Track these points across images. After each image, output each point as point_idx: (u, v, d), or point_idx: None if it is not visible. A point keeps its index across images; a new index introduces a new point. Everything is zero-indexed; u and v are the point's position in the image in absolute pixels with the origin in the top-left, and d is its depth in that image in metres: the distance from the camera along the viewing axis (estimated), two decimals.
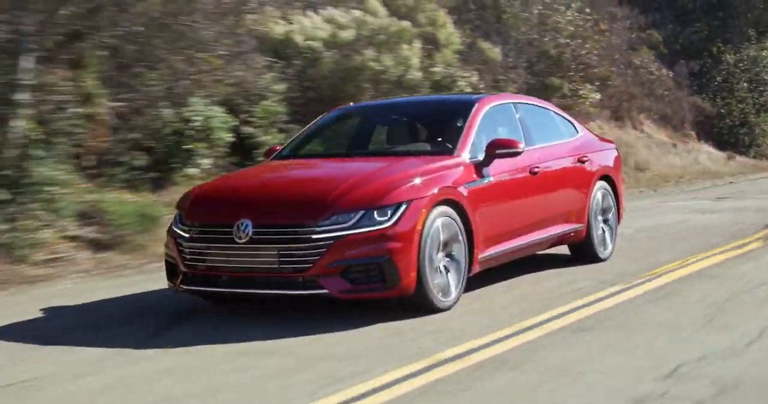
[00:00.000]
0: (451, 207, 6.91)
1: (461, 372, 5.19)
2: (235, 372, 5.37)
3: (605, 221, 9.13)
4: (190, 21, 12.63)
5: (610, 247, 9.18)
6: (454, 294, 6.91)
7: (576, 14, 23.18)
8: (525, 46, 21.76)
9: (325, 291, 6.39)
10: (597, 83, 22.86)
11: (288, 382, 5.11)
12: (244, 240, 6.51)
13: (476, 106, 7.86)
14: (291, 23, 15.04)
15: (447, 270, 6.87)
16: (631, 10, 28.46)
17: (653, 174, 23.22)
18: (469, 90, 15.91)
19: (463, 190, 7.06)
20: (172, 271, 7.03)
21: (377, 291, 6.48)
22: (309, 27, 14.88)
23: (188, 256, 6.79)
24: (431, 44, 16.67)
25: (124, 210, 10.53)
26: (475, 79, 16.95)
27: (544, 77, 21.49)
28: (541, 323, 6.33)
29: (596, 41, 23.52)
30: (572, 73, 22.13)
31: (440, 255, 6.81)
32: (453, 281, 6.91)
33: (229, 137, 12.62)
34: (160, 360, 5.73)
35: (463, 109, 7.84)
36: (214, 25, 13.04)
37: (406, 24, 15.68)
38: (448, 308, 6.84)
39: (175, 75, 12.46)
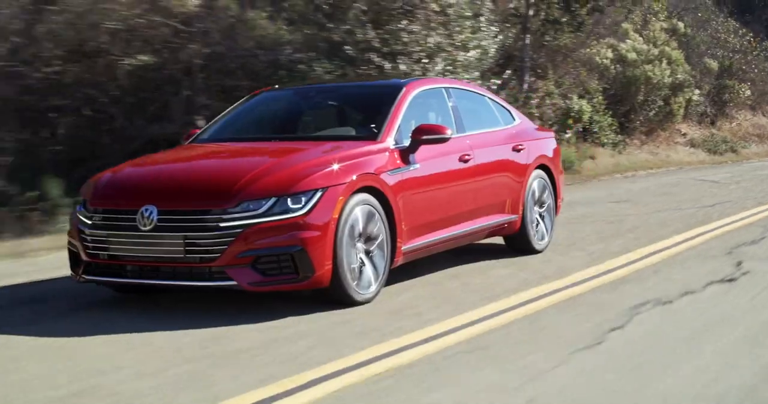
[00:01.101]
0: (371, 195, 6.55)
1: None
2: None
3: (540, 213, 8.81)
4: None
5: (546, 239, 8.86)
6: (374, 287, 6.55)
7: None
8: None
9: (234, 282, 6.00)
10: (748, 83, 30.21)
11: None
12: (148, 228, 6.10)
13: (404, 90, 7.48)
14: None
15: (367, 261, 6.50)
16: None
17: None
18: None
19: (385, 178, 6.69)
20: (74, 260, 6.60)
21: (290, 282, 6.11)
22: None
23: (90, 245, 6.37)
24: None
25: None
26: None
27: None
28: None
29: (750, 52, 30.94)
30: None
31: (359, 245, 6.45)
32: (372, 273, 6.55)
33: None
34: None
35: (389, 94, 7.45)
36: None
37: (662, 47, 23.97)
38: (368, 301, 6.48)
39: None
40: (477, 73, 14.73)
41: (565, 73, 20.95)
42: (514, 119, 8.90)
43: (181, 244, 6.03)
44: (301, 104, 8.13)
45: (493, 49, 15.20)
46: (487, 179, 7.95)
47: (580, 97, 20.74)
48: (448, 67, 13.91)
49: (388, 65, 13.42)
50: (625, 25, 23.63)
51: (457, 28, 14.20)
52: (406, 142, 7.07)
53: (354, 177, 6.38)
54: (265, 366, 5.00)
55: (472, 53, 14.39)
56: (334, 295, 6.31)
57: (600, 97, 21.54)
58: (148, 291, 6.91)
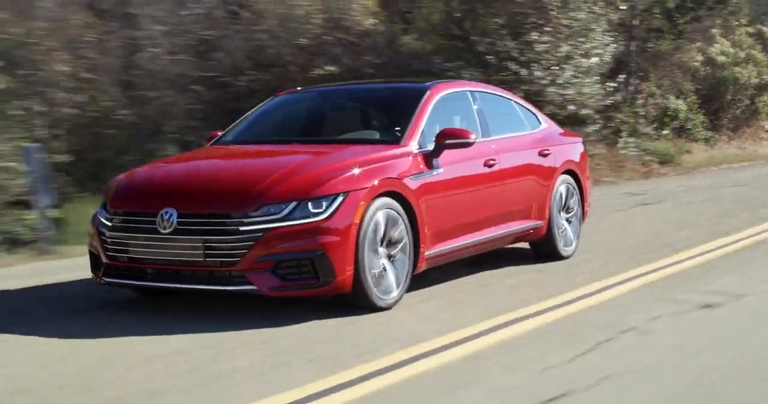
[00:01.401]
0: (394, 199, 6.46)
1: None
2: None
3: (568, 218, 8.69)
4: None
5: (573, 245, 8.73)
6: (396, 292, 6.46)
7: None
8: None
9: (254, 287, 5.94)
10: None
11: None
12: (168, 231, 6.05)
13: (428, 93, 7.38)
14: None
15: (389, 267, 6.41)
16: None
17: None
18: None
19: (408, 182, 6.60)
20: (95, 263, 6.55)
21: (310, 288, 6.03)
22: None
23: (110, 247, 6.32)
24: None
25: None
26: None
27: None
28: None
29: None
30: None
31: (381, 250, 6.36)
32: (395, 278, 6.46)
33: None
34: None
35: (413, 97, 7.36)
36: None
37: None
38: (390, 307, 6.39)
39: None
40: (597, 78, 16.81)
41: (663, 76, 22.56)
42: (540, 123, 8.78)
43: (201, 248, 5.97)
44: (324, 106, 8.04)
45: (608, 56, 17.12)
46: (513, 184, 7.83)
47: (676, 97, 22.61)
48: (574, 73, 16.12)
49: (524, 72, 15.55)
50: (713, 30, 24.56)
51: (581, 39, 16.39)
52: (430, 146, 6.98)
53: (376, 181, 6.30)
54: (291, 368, 4.94)
55: (594, 60, 16.56)
56: (356, 301, 6.23)
57: (693, 97, 23.14)
58: (169, 294, 6.85)
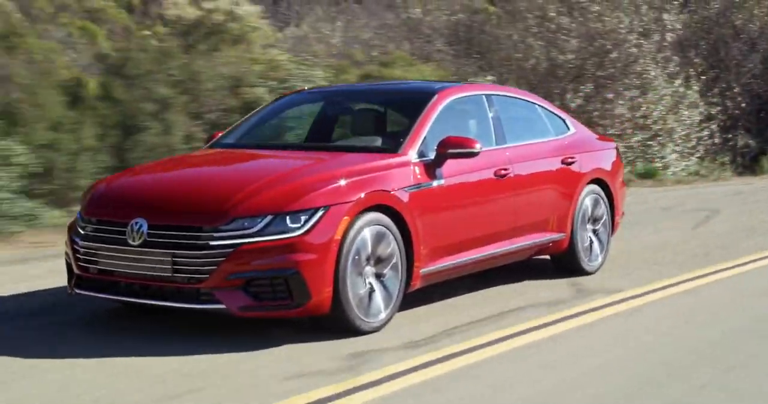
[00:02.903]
0: (384, 213, 5.99)
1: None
2: None
3: (595, 230, 8.12)
4: None
5: (599, 259, 8.16)
6: (384, 314, 6.00)
7: None
8: None
9: (223, 306, 5.53)
10: None
11: None
12: (137, 242, 5.68)
13: (434, 97, 6.86)
14: None
15: (377, 286, 5.96)
16: None
17: None
18: None
19: (401, 194, 6.12)
20: (69, 272, 6.23)
21: (283, 308, 5.61)
22: None
23: (82, 257, 5.98)
24: None
25: None
26: None
27: None
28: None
29: None
30: None
31: (369, 268, 5.91)
32: (384, 299, 6.00)
33: None
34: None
35: (418, 101, 6.86)
36: None
37: None
38: (376, 329, 5.94)
39: None
40: None
41: None
42: (568, 129, 8.21)
43: (169, 262, 5.58)
44: (327, 109, 7.59)
45: None
46: (527, 195, 7.30)
47: None
48: None
49: None
50: None
51: None
52: (432, 156, 6.50)
53: (362, 194, 5.84)
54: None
55: None
56: (336, 323, 5.79)
57: None
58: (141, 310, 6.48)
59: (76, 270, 6.03)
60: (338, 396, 4.69)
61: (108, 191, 6.20)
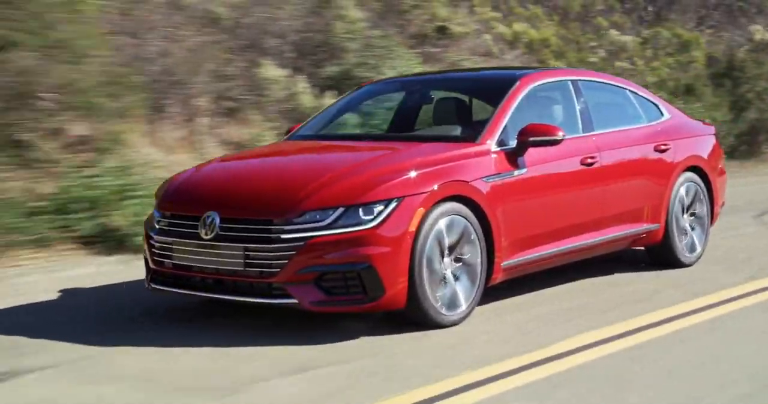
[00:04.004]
0: (462, 204, 5.79)
1: None
2: None
3: (692, 221, 7.75)
4: None
5: (698, 250, 7.79)
6: (463, 307, 5.80)
7: None
8: None
9: (295, 301, 5.41)
10: None
11: None
12: (210, 236, 5.60)
13: (516, 84, 6.61)
14: None
15: (455, 278, 5.77)
16: None
17: None
18: None
19: (479, 185, 5.90)
20: (146, 267, 6.20)
21: (357, 303, 5.45)
22: None
23: (157, 252, 5.94)
24: None
25: None
26: None
27: None
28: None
29: None
30: None
31: (447, 261, 5.72)
32: (463, 292, 5.80)
33: None
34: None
35: (499, 88, 6.62)
36: None
37: None
38: (455, 323, 5.75)
39: None
40: None
41: None
42: (662, 114, 7.86)
43: (241, 256, 5.49)
44: (407, 98, 7.42)
45: None
46: (617, 184, 6.99)
47: None
48: None
49: None
50: None
51: None
52: (513, 144, 6.27)
53: (438, 185, 5.64)
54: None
55: None
56: (412, 317, 5.62)
57: None
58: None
59: (151, 265, 5.99)
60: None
61: (181, 185, 6.14)
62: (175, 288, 5.89)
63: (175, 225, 5.86)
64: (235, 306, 6.18)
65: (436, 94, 7.26)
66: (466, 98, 7.13)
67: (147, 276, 6.11)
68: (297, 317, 5.92)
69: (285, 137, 7.26)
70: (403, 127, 7.28)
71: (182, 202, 5.95)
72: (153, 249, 5.96)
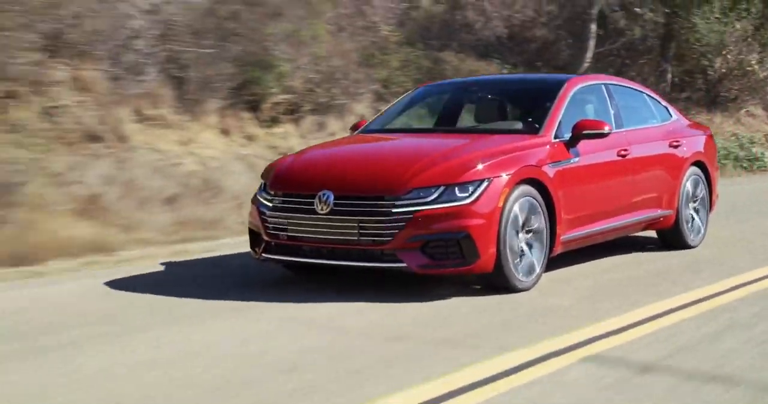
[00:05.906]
0: (533, 186, 6.86)
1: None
2: None
3: (696, 208, 8.95)
4: None
5: (701, 234, 9.00)
6: (534, 274, 6.86)
7: None
8: None
9: (404, 264, 6.41)
10: None
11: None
12: (325, 212, 6.56)
13: (565, 85, 7.77)
14: None
15: (528, 249, 6.82)
16: None
17: None
18: None
19: (547, 170, 6.99)
20: (254, 240, 7.13)
21: (456, 266, 6.47)
22: None
23: (271, 226, 6.87)
24: None
25: None
26: None
27: None
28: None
29: None
30: None
31: (521, 235, 6.76)
32: (534, 261, 6.86)
33: None
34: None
35: (551, 89, 7.76)
36: None
37: None
38: (528, 288, 6.79)
39: None
40: None
41: None
42: (671, 116, 9.07)
43: (355, 228, 6.46)
44: (464, 98, 8.53)
45: None
46: (644, 174, 8.17)
47: None
48: None
49: None
50: None
51: None
52: (566, 137, 7.36)
53: (517, 169, 6.71)
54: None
55: None
56: (498, 281, 6.66)
57: None
58: (319, 271, 7.36)
59: (265, 238, 6.91)
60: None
61: (292, 167, 7.11)
62: (289, 256, 6.84)
63: (290, 202, 6.80)
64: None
65: (490, 96, 8.39)
66: (515, 99, 8.25)
67: (258, 248, 7.03)
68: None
69: (354, 132, 8.26)
70: (455, 123, 8.34)
71: (295, 183, 6.91)
72: (266, 224, 6.89)
